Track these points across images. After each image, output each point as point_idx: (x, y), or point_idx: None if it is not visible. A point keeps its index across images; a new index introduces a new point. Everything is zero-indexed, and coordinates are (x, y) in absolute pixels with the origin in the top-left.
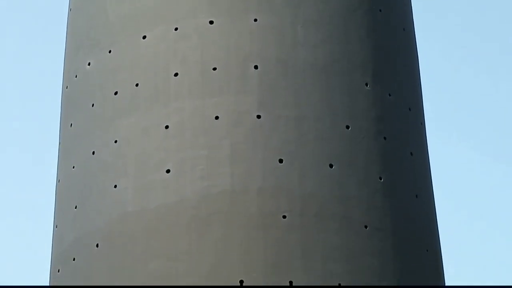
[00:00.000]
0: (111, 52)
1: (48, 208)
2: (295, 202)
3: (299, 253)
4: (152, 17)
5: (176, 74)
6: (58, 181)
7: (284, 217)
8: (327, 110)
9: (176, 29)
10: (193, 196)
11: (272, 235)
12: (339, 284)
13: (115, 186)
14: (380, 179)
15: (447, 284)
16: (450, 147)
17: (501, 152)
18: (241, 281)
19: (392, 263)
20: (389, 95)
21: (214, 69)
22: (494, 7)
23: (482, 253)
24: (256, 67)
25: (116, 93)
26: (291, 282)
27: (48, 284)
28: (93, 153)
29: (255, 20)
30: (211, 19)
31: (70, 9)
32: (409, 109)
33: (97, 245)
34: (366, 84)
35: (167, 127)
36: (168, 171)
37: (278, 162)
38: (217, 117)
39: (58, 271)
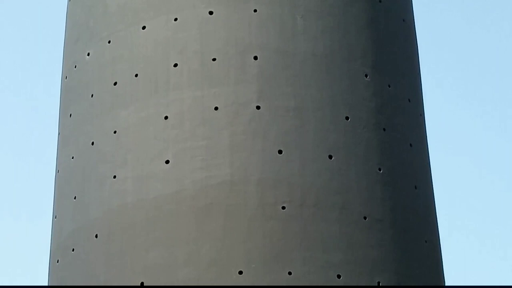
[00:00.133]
0: (111, 43)
1: (48, 198)
2: (294, 193)
3: (298, 243)
4: (151, 7)
5: (175, 65)
6: (57, 171)
7: (284, 207)
8: (326, 101)
9: (175, 19)
10: (192, 187)
11: (272, 226)
12: (338, 275)
13: (114, 177)
14: (380, 170)
15: (447, 281)
16: (450, 137)
17: (501, 146)
18: (240, 271)
19: (391, 254)
20: (389, 86)
21: (214, 59)
22: None
23: (481, 244)
24: (255, 57)
25: (115, 83)
26: (290, 273)
27: (47, 274)
28: (92, 143)
29: (255, 10)
30: (211, 10)
31: (69, 0)
32: (409, 100)
33: (96, 236)
34: (366, 75)
35: (166, 117)
36: (167, 161)
37: (277, 153)
38: (216, 108)
39: (58, 261)
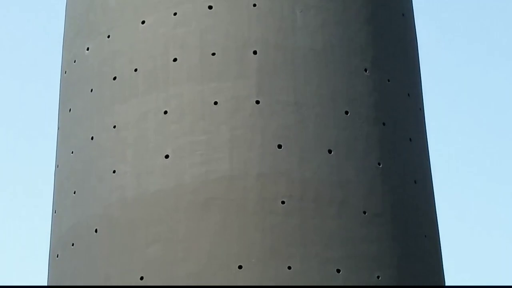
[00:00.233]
0: (110, 37)
1: (47, 193)
2: (293, 188)
3: (298, 238)
4: (151, 2)
5: (175, 59)
6: (57, 166)
7: (283, 202)
8: (326, 95)
9: (175, 14)
10: (192, 181)
11: (271, 221)
12: (338, 269)
13: (114, 171)
14: (379, 164)
15: (446, 276)
16: (449, 132)
17: (501, 140)
18: (240, 266)
19: (391, 249)
20: (388, 80)
21: (213, 54)
22: None
23: (481, 239)
24: (255, 52)
25: (115, 78)
26: (289, 268)
27: (47, 269)
28: (92, 138)
29: (254, 5)
30: (210, 4)
31: None
32: (408, 95)
33: (96, 230)
34: (365, 70)
35: (166, 112)
36: (167, 156)
37: (277, 147)
38: (216, 103)
39: (57, 256)
